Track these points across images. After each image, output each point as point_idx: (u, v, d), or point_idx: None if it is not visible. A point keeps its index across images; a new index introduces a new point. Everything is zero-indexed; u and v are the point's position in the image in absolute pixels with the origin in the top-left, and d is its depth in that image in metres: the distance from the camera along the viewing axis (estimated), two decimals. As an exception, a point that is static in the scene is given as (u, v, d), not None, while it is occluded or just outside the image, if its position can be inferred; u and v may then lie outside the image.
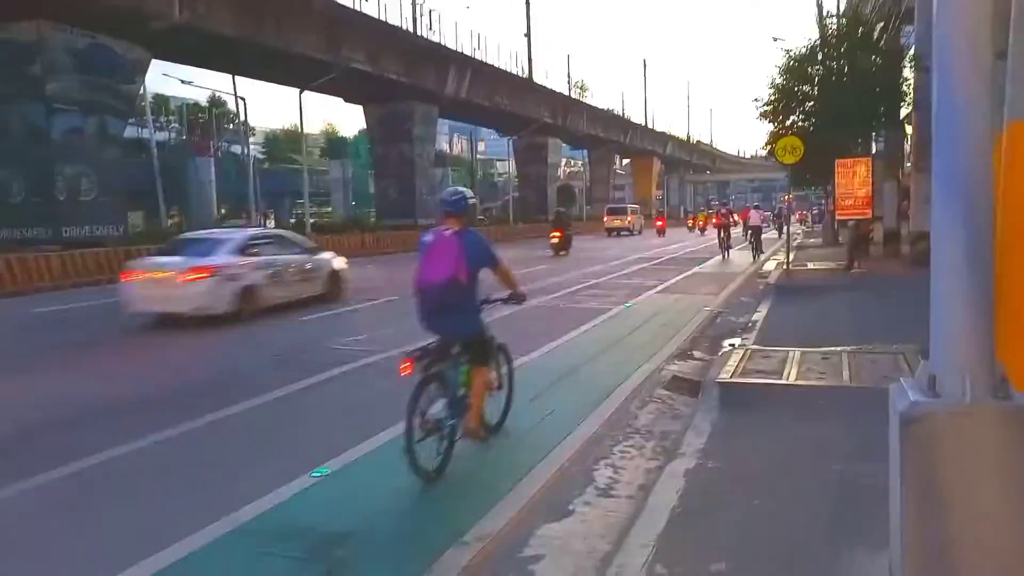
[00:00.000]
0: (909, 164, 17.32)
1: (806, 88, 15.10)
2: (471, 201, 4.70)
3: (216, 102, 61.36)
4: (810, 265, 17.11)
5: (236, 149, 58.51)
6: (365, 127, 41.48)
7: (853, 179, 14.67)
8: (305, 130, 36.73)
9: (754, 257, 19.98)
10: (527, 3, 49.00)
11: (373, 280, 16.64)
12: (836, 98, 14.28)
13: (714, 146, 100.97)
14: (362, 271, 17.59)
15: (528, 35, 48.67)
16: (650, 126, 78.37)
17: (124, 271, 11.98)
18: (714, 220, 39.36)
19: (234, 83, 42.47)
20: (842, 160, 14.96)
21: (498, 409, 5.29)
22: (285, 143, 74.63)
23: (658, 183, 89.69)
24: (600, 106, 62.54)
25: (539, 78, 49.23)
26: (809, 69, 15.04)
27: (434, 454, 4.42)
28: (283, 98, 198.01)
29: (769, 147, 15.68)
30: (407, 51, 35.72)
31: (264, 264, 11.74)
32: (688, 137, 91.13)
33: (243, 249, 11.60)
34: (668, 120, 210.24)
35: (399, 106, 38.67)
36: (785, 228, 22.13)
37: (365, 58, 32.84)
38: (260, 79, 32.79)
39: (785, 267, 15.57)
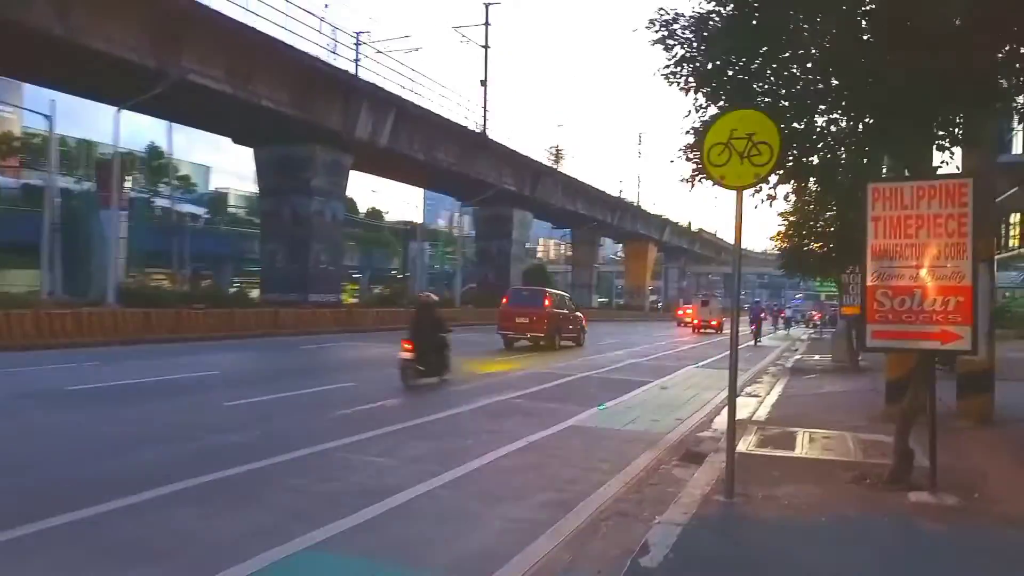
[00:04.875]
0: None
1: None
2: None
3: (155, 152, 55.09)
4: (800, 444, 7.43)
5: (182, 208, 52.61)
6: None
7: (918, 234, 5.29)
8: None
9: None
10: (485, 47, 41.32)
11: None
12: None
13: (718, 235, 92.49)
14: None
15: (484, 83, 40.76)
16: (644, 208, 70.02)
17: None
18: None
19: (169, 130, 34.93)
20: (881, 186, 5.60)
21: None
22: (247, 204, 67.51)
23: (654, 271, 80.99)
24: (581, 178, 54.12)
25: (503, 139, 41.02)
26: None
27: None
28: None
29: (693, 153, 6.47)
30: (296, 74, 27.46)
31: None
32: (689, 224, 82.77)
33: None
34: (665, 205, 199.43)
35: (295, 149, 30.28)
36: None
37: (223, 74, 24.49)
38: (47, 86, 24.19)
39: (728, 468, 5.73)
